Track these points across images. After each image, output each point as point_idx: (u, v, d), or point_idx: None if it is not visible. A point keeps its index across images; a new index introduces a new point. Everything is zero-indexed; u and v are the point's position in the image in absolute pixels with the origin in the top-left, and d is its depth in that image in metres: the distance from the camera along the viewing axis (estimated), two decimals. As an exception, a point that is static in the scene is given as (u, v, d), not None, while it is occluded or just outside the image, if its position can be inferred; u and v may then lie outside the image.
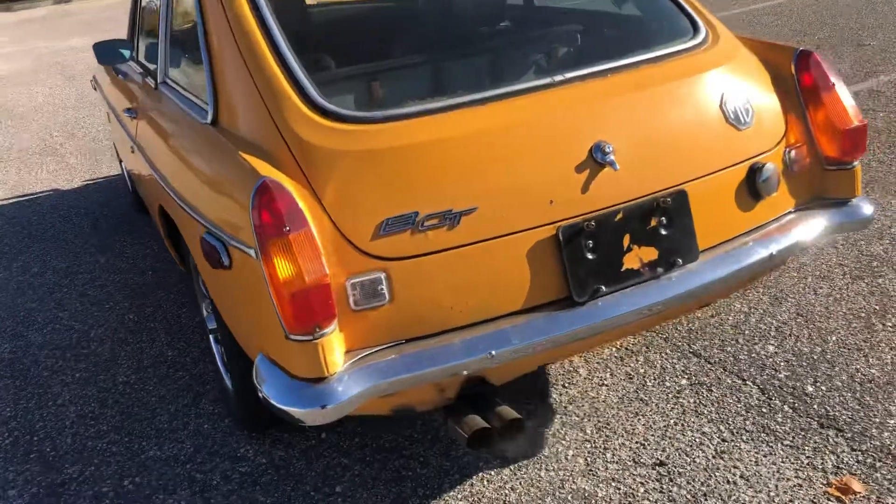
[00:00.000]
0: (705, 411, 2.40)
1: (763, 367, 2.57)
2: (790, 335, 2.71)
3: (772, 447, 2.23)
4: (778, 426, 2.30)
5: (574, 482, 2.18)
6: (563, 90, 2.04)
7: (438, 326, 1.83)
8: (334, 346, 1.74)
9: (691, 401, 2.46)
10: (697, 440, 2.29)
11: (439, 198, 1.83)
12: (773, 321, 2.80)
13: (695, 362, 2.63)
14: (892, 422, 2.26)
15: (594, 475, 2.20)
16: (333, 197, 1.80)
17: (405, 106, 1.96)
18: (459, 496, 2.17)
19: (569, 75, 2.08)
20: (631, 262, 1.95)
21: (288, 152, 1.87)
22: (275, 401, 1.74)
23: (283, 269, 1.68)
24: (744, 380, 2.52)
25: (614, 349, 2.74)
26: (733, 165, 2.11)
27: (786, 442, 2.24)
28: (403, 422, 2.49)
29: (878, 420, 2.28)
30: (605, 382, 2.59)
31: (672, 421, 2.38)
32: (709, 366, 2.61)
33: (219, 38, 2.14)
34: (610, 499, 2.11)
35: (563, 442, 2.34)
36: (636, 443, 2.30)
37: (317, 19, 3.01)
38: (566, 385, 2.60)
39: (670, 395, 2.49)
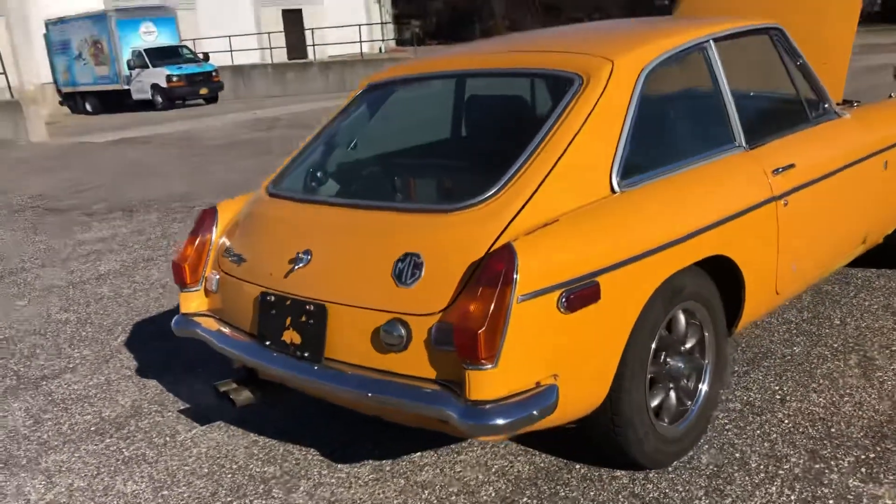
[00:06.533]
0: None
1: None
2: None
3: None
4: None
5: (313, 481, 3.01)
6: (336, 209, 2.81)
7: (228, 319, 3.09)
8: (190, 301, 3.21)
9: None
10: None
11: (239, 245, 3.04)
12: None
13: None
14: None
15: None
16: (231, 230, 3.21)
17: (281, 190, 3.12)
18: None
19: (347, 200, 2.81)
20: (287, 336, 2.72)
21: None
22: None
23: (179, 249, 3.26)
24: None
25: (550, 459, 2.97)
26: (375, 310, 2.48)
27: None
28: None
29: None
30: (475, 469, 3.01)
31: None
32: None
33: None
34: None
35: (357, 476, 3.07)
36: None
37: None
38: (460, 452, 3.07)
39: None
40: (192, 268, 3.16)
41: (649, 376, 2.70)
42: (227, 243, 3.12)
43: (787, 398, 3.26)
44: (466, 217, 2.46)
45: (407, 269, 2.44)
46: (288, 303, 2.71)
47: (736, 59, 3.41)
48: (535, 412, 2.26)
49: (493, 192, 2.49)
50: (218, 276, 3.11)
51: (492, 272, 2.24)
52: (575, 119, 2.62)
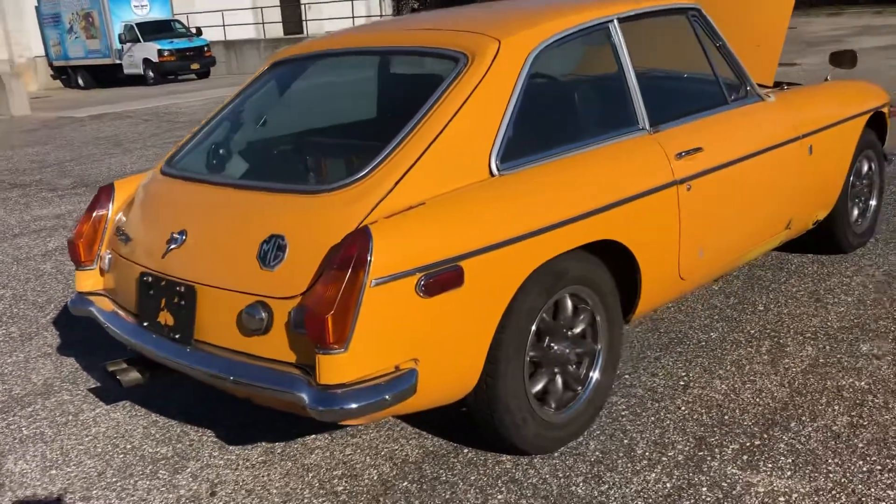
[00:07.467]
0: (290, 505, 2.70)
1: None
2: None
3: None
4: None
5: (201, 462, 2.99)
6: (213, 188, 2.76)
7: (117, 299, 3.05)
8: (86, 279, 3.16)
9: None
10: (243, 505, 2.72)
11: (128, 224, 2.99)
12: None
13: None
14: None
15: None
16: (126, 208, 3.16)
17: (172, 170, 3.06)
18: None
19: (225, 180, 2.76)
20: (161, 318, 2.68)
21: None
22: None
23: (77, 226, 3.21)
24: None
25: (441, 443, 2.96)
26: (240, 292, 2.44)
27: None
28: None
29: None
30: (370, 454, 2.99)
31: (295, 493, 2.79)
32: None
33: None
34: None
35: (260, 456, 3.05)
36: (256, 484, 2.86)
37: None
38: (354, 435, 3.06)
39: (326, 492, 2.80)
40: (86, 246, 3.12)
41: (532, 360, 2.66)
42: (122, 221, 3.08)
43: (691, 385, 3.23)
44: (333, 199, 2.42)
45: (271, 251, 2.40)
46: (163, 283, 2.67)
47: (651, 39, 3.35)
48: (387, 396, 2.22)
49: (362, 174, 2.44)
50: (110, 256, 3.07)
51: (344, 255, 2.20)
52: (455, 100, 2.56)
